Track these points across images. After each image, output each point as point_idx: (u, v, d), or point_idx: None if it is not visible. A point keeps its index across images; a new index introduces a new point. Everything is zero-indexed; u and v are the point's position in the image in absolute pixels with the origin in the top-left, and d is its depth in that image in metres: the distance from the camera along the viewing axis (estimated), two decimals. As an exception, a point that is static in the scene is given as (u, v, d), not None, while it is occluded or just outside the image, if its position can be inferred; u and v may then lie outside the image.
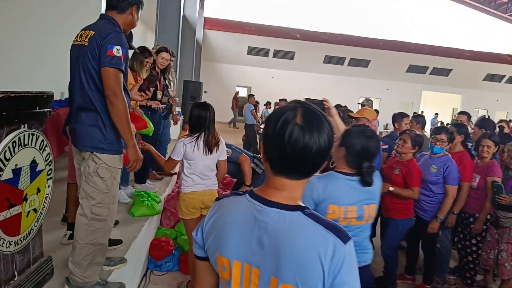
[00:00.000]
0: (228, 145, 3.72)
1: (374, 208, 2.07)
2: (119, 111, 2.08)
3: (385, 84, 23.27)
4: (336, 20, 22.36)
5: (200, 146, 2.95)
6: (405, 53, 21.57)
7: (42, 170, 2.05)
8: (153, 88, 4.38)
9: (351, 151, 2.03)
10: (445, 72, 22.86)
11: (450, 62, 22.13)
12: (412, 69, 22.67)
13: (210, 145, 2.97)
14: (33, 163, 1.96)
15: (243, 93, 24.30)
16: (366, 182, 2.00)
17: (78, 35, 2.20)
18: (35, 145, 1.96)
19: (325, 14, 22.41)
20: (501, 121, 5.45)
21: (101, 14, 2.26)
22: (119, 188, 4.00)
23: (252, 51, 21.49)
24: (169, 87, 4.89)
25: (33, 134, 1.93)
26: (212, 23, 19.97)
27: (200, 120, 2.97)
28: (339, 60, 22.10)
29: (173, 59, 4.77)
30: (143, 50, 4.06)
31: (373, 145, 2.06)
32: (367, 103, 5.86)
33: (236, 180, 4.66)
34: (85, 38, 2.12)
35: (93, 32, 2.11)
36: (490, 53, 23.91)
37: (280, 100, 8.72)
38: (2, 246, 1.78)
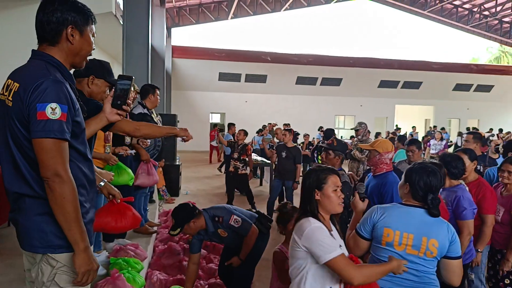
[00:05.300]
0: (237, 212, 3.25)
1: (434, 243, 2.10)
2: (64, 200, 1.40)
3: (359, 101, 23.30)
4: (306, 41, 22.47)
5: None
6: (375, 69, 21.67)
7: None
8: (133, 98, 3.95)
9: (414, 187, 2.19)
10: (416, 85, 23.12)
11: (420, 75, 22.40)
12: (384, 84, 22.79)
13: None
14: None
15: (216, 119, 23.77)
16: (433, 213, 2.13)
17: (4, 84, 1.51)
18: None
19: (295, 36, 22.49)
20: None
21: (33, 51, 1.57)
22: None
23: (223, 76, 21.11)
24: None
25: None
26: (181, 51, 19.55)
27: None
28: (311, 80, 22.00)
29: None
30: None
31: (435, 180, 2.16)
32: (360, 127, 5.35)
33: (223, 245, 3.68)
34: (9, 95, 1.45)
35: (18, 85, 1.43)
36: (457, 64, 24.42)
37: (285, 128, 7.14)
38: None
